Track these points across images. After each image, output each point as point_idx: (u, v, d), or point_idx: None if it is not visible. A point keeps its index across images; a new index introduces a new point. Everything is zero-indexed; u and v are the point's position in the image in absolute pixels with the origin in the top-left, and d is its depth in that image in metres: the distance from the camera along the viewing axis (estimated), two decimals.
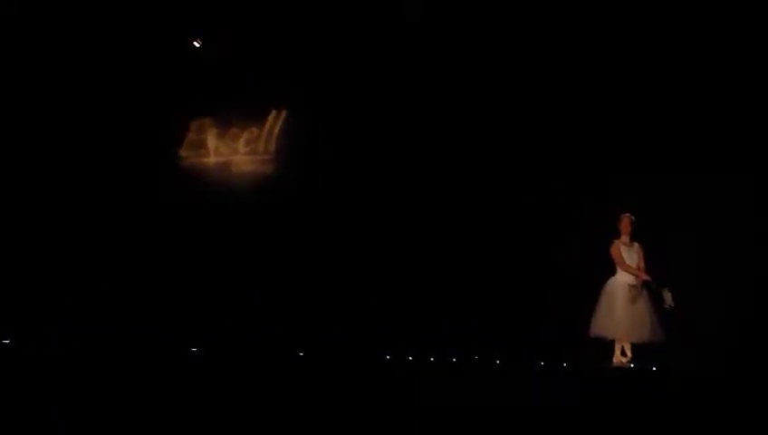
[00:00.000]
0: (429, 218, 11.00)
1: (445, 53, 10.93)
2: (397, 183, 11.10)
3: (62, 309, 10.93)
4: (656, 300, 9.58)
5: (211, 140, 12.23)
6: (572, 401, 7.52)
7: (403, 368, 9.25)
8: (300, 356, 9.73)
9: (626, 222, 9.87)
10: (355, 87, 11.42)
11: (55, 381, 7.70)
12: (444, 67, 10.95)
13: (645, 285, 9.64)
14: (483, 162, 10.95)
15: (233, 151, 12.20)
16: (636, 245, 9.89)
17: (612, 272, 9.90)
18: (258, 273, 11.34)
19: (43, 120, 11.87)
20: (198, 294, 11.24)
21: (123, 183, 11.81)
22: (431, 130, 11.05)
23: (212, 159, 12.27)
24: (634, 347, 9.75)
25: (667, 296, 9.36)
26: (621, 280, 9.80)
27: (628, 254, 9.84)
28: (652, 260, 9.78)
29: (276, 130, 12.02)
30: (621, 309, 9.67)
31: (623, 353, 9.78)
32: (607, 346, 9.75)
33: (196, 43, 11.89)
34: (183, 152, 12.33)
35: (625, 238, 9.89)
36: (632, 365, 9.60)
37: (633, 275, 9.69)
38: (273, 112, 12.06)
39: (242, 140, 12.18)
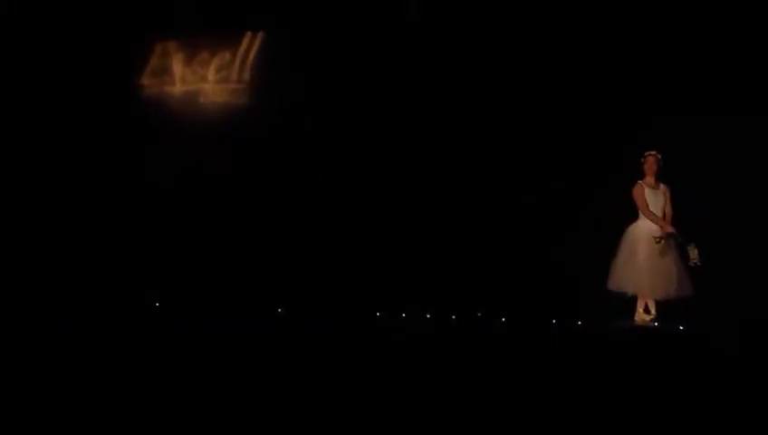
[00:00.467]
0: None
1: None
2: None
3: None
4: (683, 251, 9.24)
5: (177, 67, 11.82)
6: (589, 364, 7.50)
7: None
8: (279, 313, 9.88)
9: (651, 161, 9.35)
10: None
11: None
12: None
13: (669, 236, 9.25)
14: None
15: (201, 79, 11.78)
16: (662, 186, 9.41)
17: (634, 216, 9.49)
18: (228, 221, 11.18)
19: None
20: (163, 245, 11.15)
21: (73, 111, 11.52)
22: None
23: (177, 88, 11.86)
24: (658, 305, 9.34)
25: (693, 253, 9.07)
26: (644, 227, 9.33)
27: (653, 198, 9.35)
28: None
29: (251, 56, 11.64)
30: (644, 260, 9.26)
31: (646, 311, 9.38)
32: (628, 303, 9.44)
33: None
34: (144, 80, 11.91)
35: (650, 180, 9.38)
36: (656, 324, 9.27)
37: (657, 224, 9.25)
38: (248, 35, 11.64)
39: (212, 67, 11.78)
